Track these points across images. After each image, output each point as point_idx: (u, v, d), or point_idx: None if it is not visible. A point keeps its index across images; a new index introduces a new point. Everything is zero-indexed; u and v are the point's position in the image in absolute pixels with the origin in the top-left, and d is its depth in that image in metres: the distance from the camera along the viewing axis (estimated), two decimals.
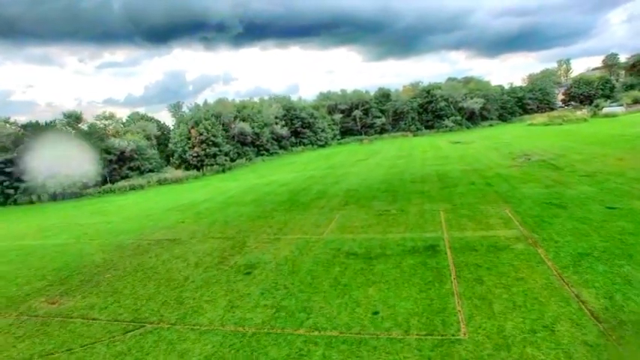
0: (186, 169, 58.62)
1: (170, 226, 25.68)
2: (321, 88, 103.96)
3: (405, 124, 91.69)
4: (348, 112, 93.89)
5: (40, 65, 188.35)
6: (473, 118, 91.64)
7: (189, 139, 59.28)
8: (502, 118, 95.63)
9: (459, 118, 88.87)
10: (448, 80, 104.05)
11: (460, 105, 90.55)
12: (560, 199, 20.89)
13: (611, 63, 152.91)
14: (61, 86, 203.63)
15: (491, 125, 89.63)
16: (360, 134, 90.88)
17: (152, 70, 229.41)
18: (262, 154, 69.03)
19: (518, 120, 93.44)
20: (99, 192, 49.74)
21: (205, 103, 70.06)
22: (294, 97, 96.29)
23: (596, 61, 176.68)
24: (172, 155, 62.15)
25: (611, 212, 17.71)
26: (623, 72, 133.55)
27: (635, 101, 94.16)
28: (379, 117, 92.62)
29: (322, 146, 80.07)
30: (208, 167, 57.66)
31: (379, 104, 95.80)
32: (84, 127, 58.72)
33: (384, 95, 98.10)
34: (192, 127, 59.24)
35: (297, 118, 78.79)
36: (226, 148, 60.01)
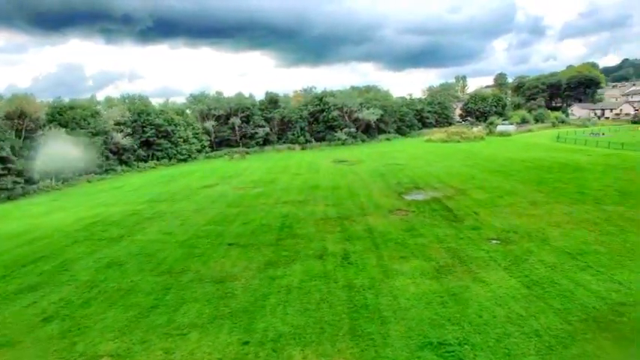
0: None
1: None
2: (234, 91, 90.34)
3: (293, 134, 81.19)
4: (225, 120, 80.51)
5: None
6: (369, 131, 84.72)
7: None
8: (400, 132, 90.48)
9: (353, 130, 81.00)
10: (351, 89, 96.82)
11: (356, 115, 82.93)
12: (460, 326, 10.56)
13: (501, 82, 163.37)
14: None
15: (388, 139, 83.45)
16: (239, 146, 78.09)
17: (42, 60, 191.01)
18: (91, 172, 52.36)
19: (417, 134, 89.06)
20: None
21: (1, 98, 51.26)
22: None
23: (487, 81, 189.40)
24: None
25: None
26: (510, 91, 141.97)
27: (523, 120, 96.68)
28: (263, 126, 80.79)
29: (184, 160, 65.35)
30: None
31: (265, 111, 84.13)
32: None
33: (272, 101, 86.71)
34: None
35: (150, 124, 63.13)
36: (19, 164, 42.79)
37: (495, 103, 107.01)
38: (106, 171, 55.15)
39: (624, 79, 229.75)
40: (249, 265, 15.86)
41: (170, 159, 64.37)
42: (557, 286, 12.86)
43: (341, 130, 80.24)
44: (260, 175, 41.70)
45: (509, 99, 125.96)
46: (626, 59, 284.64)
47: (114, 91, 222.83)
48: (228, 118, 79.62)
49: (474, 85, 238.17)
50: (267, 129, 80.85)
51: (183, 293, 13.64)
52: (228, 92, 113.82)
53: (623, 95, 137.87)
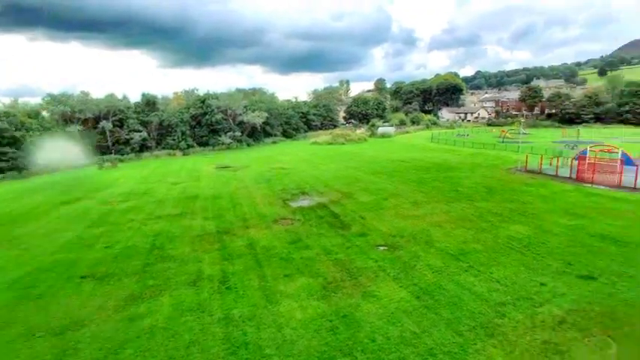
0: None
1: None
2: (110, 93, 79.47)
3: (174, 139, 75.29)
4: (93, 124, 71.31)
5: None
6: (255, 134, 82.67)
7: None
8: (287, 135, 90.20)
9: (238, 133, 78.14)
10: (236, 91, 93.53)
11: (241, 118, 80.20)
12: (352, 356, 9.42)
13: (380, 87, 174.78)
14: None
15: (274, 142, 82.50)
16: (111, 153, 69.77)
17: None
18: None
19: (302, 137, 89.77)
20: None
21: None
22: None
23: (368, 86, 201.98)
24: None
25: None
26: (389, 96, 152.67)
27: (401, 122, 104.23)
28: (139, 131, 73.41)
29: (39, 172, 55.82)
30: None
31: (141, 114, 76.55)
32: None
33: (149, 103, 79.26)
34: None
35: None
36: None
37: (376, 107, 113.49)
38: None
39: (478, 87, 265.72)
40: (104, 304, 12.88)
41: (20, 171, 54.39)
42: (445, 292, 12.59)
43: (225, 134, 76.93)
44: (133, 186, 36.95)
45: (389, 102, 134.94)
46: (479, 71, 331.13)
47: None
48: (98, 122, 70.85)
49: (356, 89, 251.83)
50: (145, 134, 73.79)
51: None
52: (100, 93, 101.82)
53: (479, 101, 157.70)
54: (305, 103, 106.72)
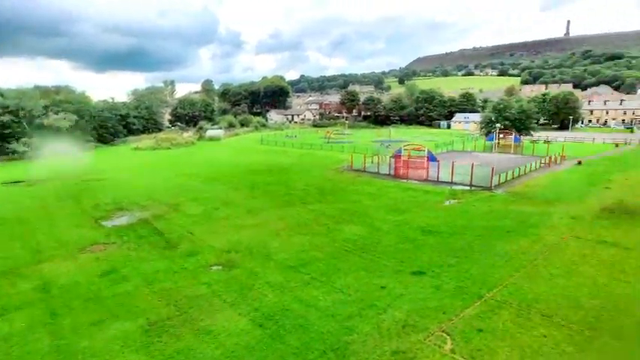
0: None
1: None
2: None
3: None
4: None
5: None
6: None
7: None
8: (103, 140, 78.70)
9: (37, 140, 64.75)
10: (34, 88, 77.26)
11: (39, 122, 66.60)
12: None
13: (208, 88, 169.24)
14: None
15: (87, 149, 71.08)
16: None
17: None
18: None
19: (122, 142, 79.77)
20: None
21: None
22: None
23: (195, 87, 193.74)
24: None
25: None
26: (217, 97, 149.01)
27: (230, 125, 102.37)
28: None
29: None
30: None
31: None
32: None
33: None
34: None
35: None
36: None
37: (204, 109, 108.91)
38: None
39: (303, 90, 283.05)
40: None
41: None
42: (289, 314, 11.31)
43: (17, 140, 62.79)
44: None
45: (217, 104, 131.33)
46: (303, 75, 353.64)
47: None
48: None
49: (182, 90, 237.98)
50: None
51: None
52: None
53: (305, 104, 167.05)
54: (124, 104, 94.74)
